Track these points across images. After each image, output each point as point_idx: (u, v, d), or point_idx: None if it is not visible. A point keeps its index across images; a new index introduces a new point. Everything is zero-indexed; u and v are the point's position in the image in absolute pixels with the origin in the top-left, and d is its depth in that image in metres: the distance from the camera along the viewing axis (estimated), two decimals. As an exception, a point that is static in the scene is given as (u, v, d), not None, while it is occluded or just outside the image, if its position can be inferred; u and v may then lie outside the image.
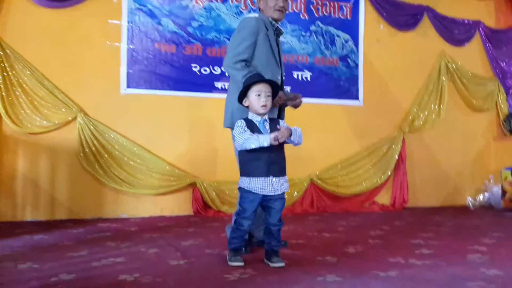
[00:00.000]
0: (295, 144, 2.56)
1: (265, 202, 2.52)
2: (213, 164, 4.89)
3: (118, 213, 4.58)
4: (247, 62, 2.83)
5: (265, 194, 2.49)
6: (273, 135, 2.41)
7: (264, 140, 2.42)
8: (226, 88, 4.98)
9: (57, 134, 4.46)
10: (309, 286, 2.09)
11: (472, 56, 6.18)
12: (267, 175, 2.48)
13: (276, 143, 2.42)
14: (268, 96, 2.53)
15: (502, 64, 6.22)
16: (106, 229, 3.86)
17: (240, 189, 2.57)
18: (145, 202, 4.68)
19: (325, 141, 5.29)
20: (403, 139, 5.63)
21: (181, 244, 3.14)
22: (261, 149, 2.43)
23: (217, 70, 4.97)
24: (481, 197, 5.84)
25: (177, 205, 4.76)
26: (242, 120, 2.55)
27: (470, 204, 5.83)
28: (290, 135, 2.48)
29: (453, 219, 4.58)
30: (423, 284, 2.12)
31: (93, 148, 4.50)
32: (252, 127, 2.52)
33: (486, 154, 6.22)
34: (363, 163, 5.49)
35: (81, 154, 4.48)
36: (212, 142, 4.90)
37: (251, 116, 2.56)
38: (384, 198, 5.63)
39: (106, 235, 3.52)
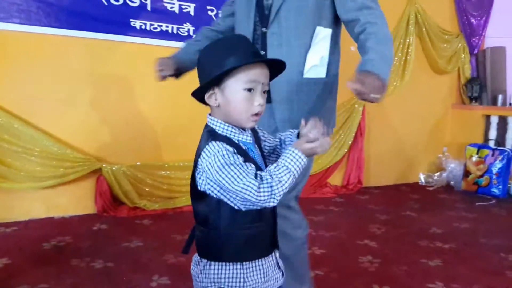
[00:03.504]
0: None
1: None
2: (127, 142, 3.42)
3: (-19, 217, 3.02)
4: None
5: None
6: (309, 145, 1.13)
7: (299, 156, 1.12)
8: (149, 28, 3.53)
9: None
10: None
11: (441, 7, 5.18)
12: (270, 250, 1.25)
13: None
14: (265, 91, 1.20)
15: (471, 19, 5.33)
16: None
17: None
18: (24, 199, 3.12)
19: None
20: (364, 107, 4.60)
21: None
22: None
23: (136, 1, 3.40)
24: (437, 175, 5.16)
25: (72, 202, 3.26)
26: (223, 145, 1.13)
27: (423, 181, 5.17)
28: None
29: (430, 215, 3.76)
30: None
31: None
32: (243, 155, 1.16)
33: (442, 124, 5.47)
34: (318, 137, 4.38)
35: None
36: (125, 108, 3.43)
37: (230, 132, 1.20)
38: (336, 178, 4.66)
39: None
